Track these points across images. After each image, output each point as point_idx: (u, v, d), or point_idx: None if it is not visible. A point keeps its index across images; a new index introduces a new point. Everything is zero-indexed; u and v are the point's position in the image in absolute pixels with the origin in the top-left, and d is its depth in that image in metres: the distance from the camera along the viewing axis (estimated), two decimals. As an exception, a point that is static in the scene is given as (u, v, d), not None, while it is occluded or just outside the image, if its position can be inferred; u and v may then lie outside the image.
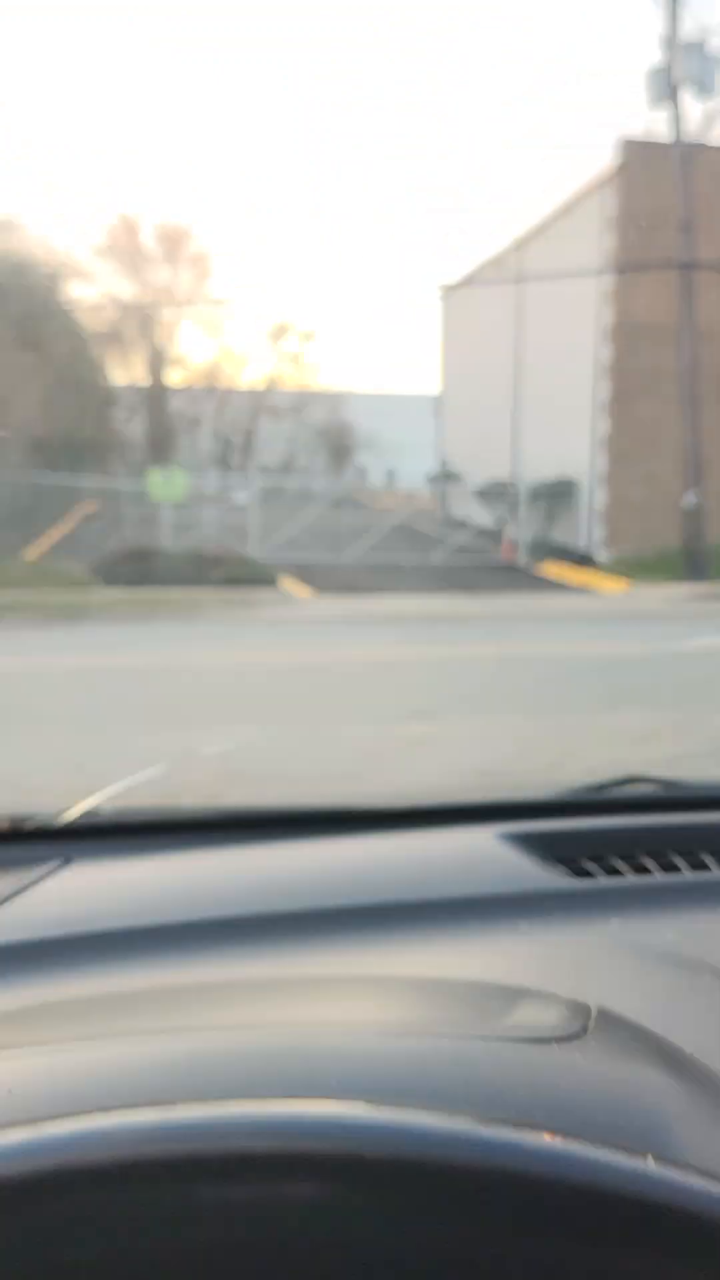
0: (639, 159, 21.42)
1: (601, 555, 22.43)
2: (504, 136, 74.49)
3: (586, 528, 23.34)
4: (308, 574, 20.12)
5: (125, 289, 44.18)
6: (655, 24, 19.46)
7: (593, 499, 23.11)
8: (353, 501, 28.27)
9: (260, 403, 45.77)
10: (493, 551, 24.25)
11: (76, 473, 30.80)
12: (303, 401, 45.17)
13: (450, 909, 1.13)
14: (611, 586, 19.62)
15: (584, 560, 22.43)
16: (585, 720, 7.77)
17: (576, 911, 1.16)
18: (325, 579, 19.54)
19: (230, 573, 18.28)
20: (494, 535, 25.24)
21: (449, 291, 32.81)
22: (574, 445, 23.72)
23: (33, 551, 23.43)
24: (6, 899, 1.15)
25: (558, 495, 24.04)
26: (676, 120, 19.97)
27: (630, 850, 1.34)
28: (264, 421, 46.50)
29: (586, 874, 1.26)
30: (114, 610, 15.00)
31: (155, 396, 42.72)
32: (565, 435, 24.26)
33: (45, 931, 1.06)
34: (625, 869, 1.30)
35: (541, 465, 24.82)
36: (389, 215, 75.02)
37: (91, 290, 39.50)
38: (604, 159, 22.47)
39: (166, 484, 26.48)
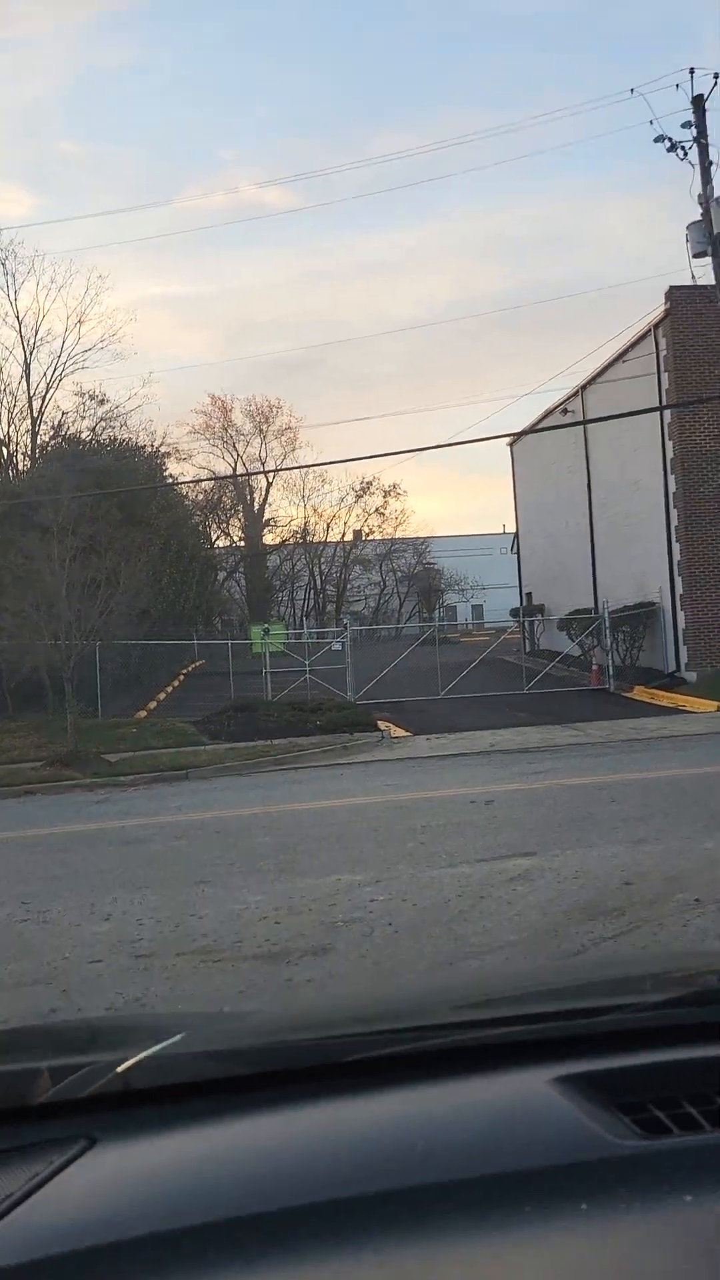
0: (685, 303, 22.77)
1: (688, 675, 22.80)
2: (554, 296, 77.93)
3: (671, 649, 23.76)
4: (404, 713, 20.98)
5: (220, 463, 47.02)
6: (690, 182, 20.95)
7: (675, 621, 23.62)
8: (442, 640, 29.21)
9: (350, 554, 47.57)
10: (581, 678, 24.83)
11: (182, 633, 32.69)
12: (389, 549, 46.78)
13: (502, 1187, 0.96)
14: (702, 705, 19.81)
15: (671, 681, 22.78)
16: (690, 845, 7.71)
17: (642, 1183, 0.96)
18: (421, 717, 20.34)
19: (330, 718, 19.15)
20: (581, 662, 25.83)
21: (516, 440, 34.37)
22: (650, 570, 24.39)
23: (145, 711, 24.90)
24: (24, 1196, 1.01)
25: (639, 620, 24.56)
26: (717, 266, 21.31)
27: (705, 1091, 1.13)
28: (354, 571, 48.21)
29: (658, 1127, 1.07)
30: (221, 762, 15.77)
31: (252, 557, 45.01)
32: (641, 561, 24.99)
33: (67, 1243, 0.93)
34: (701, 1119, 1.08)
35: (620, 591, 25.52)
36: (460, 371, 78.40)
37: (190, 466, 42.25)
38: (644, 308, 24.03)
39: (266, 637, 27.97)
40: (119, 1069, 1.20)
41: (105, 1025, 1.96)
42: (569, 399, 29.86)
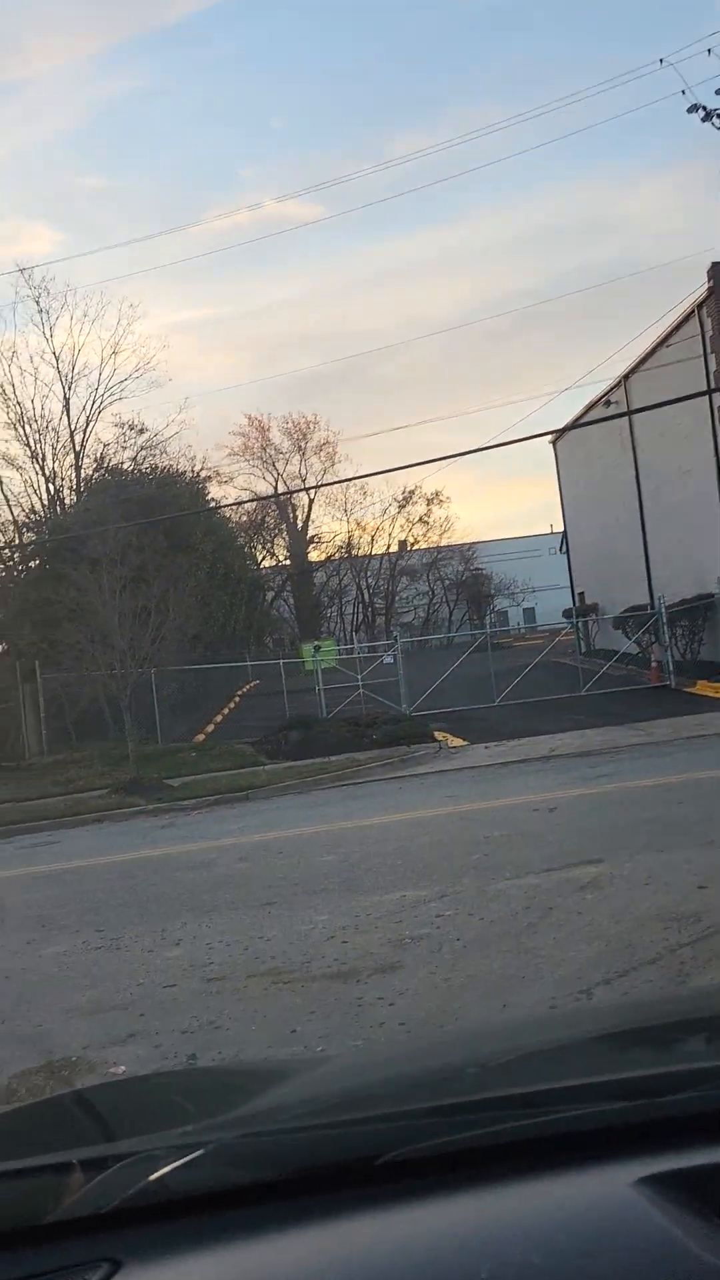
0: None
1: (750, 666, 22.40)
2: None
3: (730, 641, 23.39)
4: (460, 722, 20.90)
5: (261, 483, 47.41)
6: None
7: (733, 612, 23.25)
8: (495, 646, 29.10)
9: (396, 565, 47.60)
10: (640, 677, 24.54)
11: (235, 655, 32.97)
12: (435, 558, 46.70)
13: None
14: (764, 697, 19.47)
15: (733, 674, 22.42)
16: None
17: None
18: (478, 725, 20.25)
19: (386, 732, 19.15)
20: (639, 660, 25.53)
21: (559, 437, 34.17)
22: (707, 561, 23.99)
23: (202, 734, 25.12)
24: None
25: (698, 613, 24.19)
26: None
27: None
28: (401, 582, 48.21)
29: None
30: (281, 782, 15.84)
31: (299, 575, 45.26)
32: (697, 552, 24.60)
33: None
34: None
35: (677, 585, 25.17)
36: (496, 371, 78.19)
37: (231, 489, 42.65)
38: (684, 289, 23.73)
39: (317, 655, 28.08)
40: (151, 1176, 1.06)
41: (108, 1100, 1.73)
42: (611, 390, 29.60)
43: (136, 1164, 1.09)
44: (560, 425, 33.81)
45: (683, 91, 27.52)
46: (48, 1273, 0.99)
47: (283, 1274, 0.96)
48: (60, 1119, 1.64)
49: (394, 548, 52.88)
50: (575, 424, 32.62)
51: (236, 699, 32.73)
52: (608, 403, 29.53)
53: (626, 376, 28.41)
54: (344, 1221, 1.00)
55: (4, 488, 29.75)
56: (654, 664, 24.49)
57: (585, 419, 31.67)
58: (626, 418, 26.64)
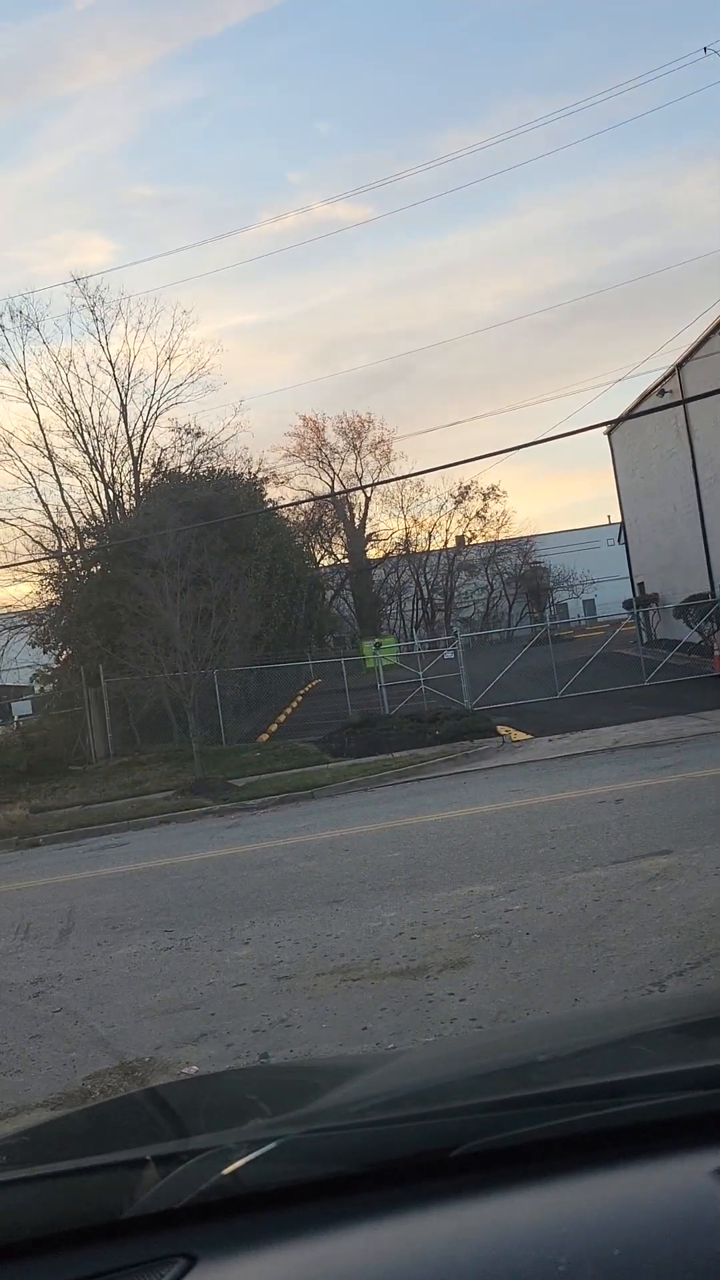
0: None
1: None
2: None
3: None
4: (523, 716, 20.76)
5: (318, 483, 47.58)
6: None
7: None
8: (555, 638, 28.86)
9: (454, 561, 47.44)
10: (703, 666, 24.14)
11: (296, 655, 33.13)
12: (493, 552, 46.46)
13: None
14: None
15: None
16: None
17: None
18: (541, 718, 20.09)
19: (449, 727, 19.09)
20: (702, 649, 25.13)
21: (614, 427, 33.76)
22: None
23: (266, 734, 25.28)
24: None
25: (760, 599, 23.79)
26: None
27: None
28: (460, 578, 48.05)
29: None
30: (345, 780, 15.88)
31: (357, 573, 45.34)
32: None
33: None
34: None
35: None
36: (549, 364, 77.51)
37: (288, 489, 42.85)
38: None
39: (378, 652, 28.09)
40: (225, 1170, 1.06)
41: (181, 1097, 1.71)
42: (666, 379, 29.19)
43: (210, 1159, 1.08)
44: (615, 416, 33.39)
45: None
46: (126, 1268, 0.99)
47: (358, 1267, 0.95)
48: (134, 1116, 1.64)
49: (451, 543, 52.69)
50: (630, 414, 32.20)
51: (299, 698, 32.88)
52: (661, 392, 29.10)
53: (680, 365, 27.98)
54: (419, 1214, 0.99)
55: (65, 495, 30.23)
56: (717, 653, 24.08)
57: (640, 409, 31.24)
58: (681, 406, 26.21)
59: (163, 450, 32.12)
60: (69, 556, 28.80)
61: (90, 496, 30.48)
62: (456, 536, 53.14)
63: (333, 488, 49.46)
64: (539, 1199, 0.98)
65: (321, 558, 47.94)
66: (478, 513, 53.73)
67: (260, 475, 35.79)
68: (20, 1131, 1.78)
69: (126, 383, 31.26)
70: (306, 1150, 1.12)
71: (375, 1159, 1.09)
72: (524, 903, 6.77)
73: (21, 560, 28.03)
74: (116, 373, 31.17)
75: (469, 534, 54.01)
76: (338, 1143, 1.15)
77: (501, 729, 18.98)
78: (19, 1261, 1.03)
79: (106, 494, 30.56)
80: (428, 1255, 0.93)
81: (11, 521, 29.57)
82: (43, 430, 30.16)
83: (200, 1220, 1.04)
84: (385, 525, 53.41)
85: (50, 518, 29.85)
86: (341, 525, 51.31)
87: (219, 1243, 1.01)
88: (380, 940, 6.43)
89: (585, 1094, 1.14)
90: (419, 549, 52.01)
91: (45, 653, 30.37)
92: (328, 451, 52.13)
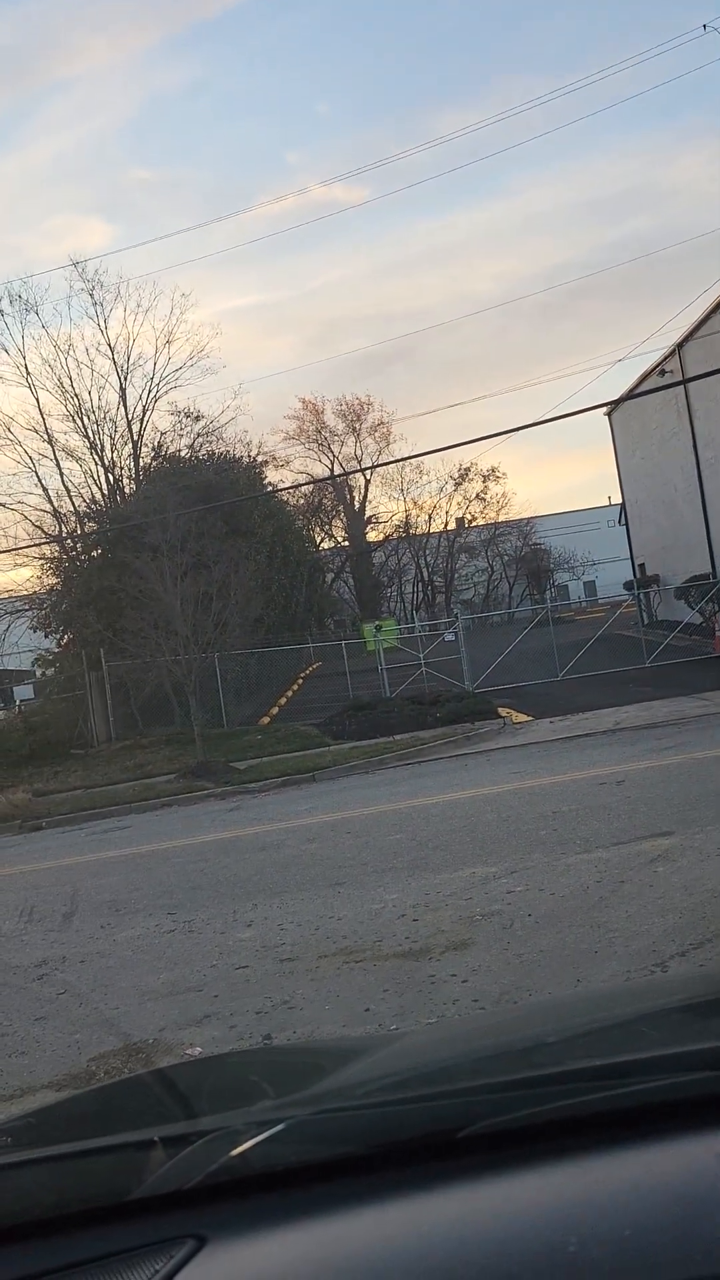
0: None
1: None
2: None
3: None
4: (524, 698, 20.78)
5: (317, 465, 47.45)
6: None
7: None
8: (556, 620, 28.85)
9: (454, 543, 47.36)
10: (704, 647, 24.13)
11: (297, 638, 33.12)
12: (494, 534, 46.38)
13: None
14: None
15: None
16: None
17: None
18: (542, 700, 20.11)
19: (450, 709, 19.10)
20: (703, 630, 25.13)
21: (614, 408, 33.64)
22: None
23: (267, 717, 25.30)
24: None
25: (762, 580, 23.75)
26: None
27: None
28: (460, 560, 47.98)
29: None
30: (347, 762, 15.89)
31: (358, 556, 45.28)
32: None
33: None
34: None
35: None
36: (549, 345, 77.17)
37: (288, 472, 42.74)
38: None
39: (378, 634, 28.09)
40: (233, 1152, 1.05)
41: (188, 1078, 1.71)
42: (666, 359, 29.07)
43: (219, 1140, 1.09)
44: (615, 397, 33.27)
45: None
46: (136, 1248, 0.99)
47: (366, 1247, 0.95)
48: (141, 1097, 1.65)
49: (451, 525, 52.58)
50: (630, 395, 32.06)
51: (300, 681, 32.89)
52: (662, 372, 28.98)
53: (680, 345, 27.86)
54: (427, 1195, 0.99)
55: (65, 479, 30.16)
56: (718, 633, 24.07)
57: (640, 389, 31.11)
58: (682, 386, 26.11)
59: (162, 434, 32.03)
60: (69, 541, 28.77)
61: (90, 480, 30.42)
62: (456, 519, 53.03)
63: (332, 470, 49.34)
64: (548, 1180, 0.98)
65: (322, 541, 47.86)
66: (478, 495, 53.59)
67: (260, 458, 35.71)
68: (28, 1113, 1.78)
69: (126, 366, 31.16)
70: (314, 1131, 1.12)
71: (383, 1140, 1.09)
72: (526, 884, 6.78)
73: (22, 545, 28.02)
74: (115, 356, 31.07)
75: (469, 516, 53.90)
76: (345, 1124, 1.15)
77: (502, 711, 18.99)
78: (29, 1242, 1.03)
79: (106, 478, 30.50)
80: (436, 1236, 0.93)
81: (12, 506, 29.53)
82: (42, 414, 30.09)
83: (209, 1201, 1.04)
84: (385, 508, 53.33)
85: (50, 502, 29.82)
86: (341, 508, 51.20)
87: (228, 1223, 1.01)
88: (382, 922, 6.45)
89: (592, 1075, 1.14)
90: (419, 531, 51.91)
91: (46, 637, 30.37)
92: (327, 434, 51.97)
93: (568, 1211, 0.91)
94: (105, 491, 30.36)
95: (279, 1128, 1.09)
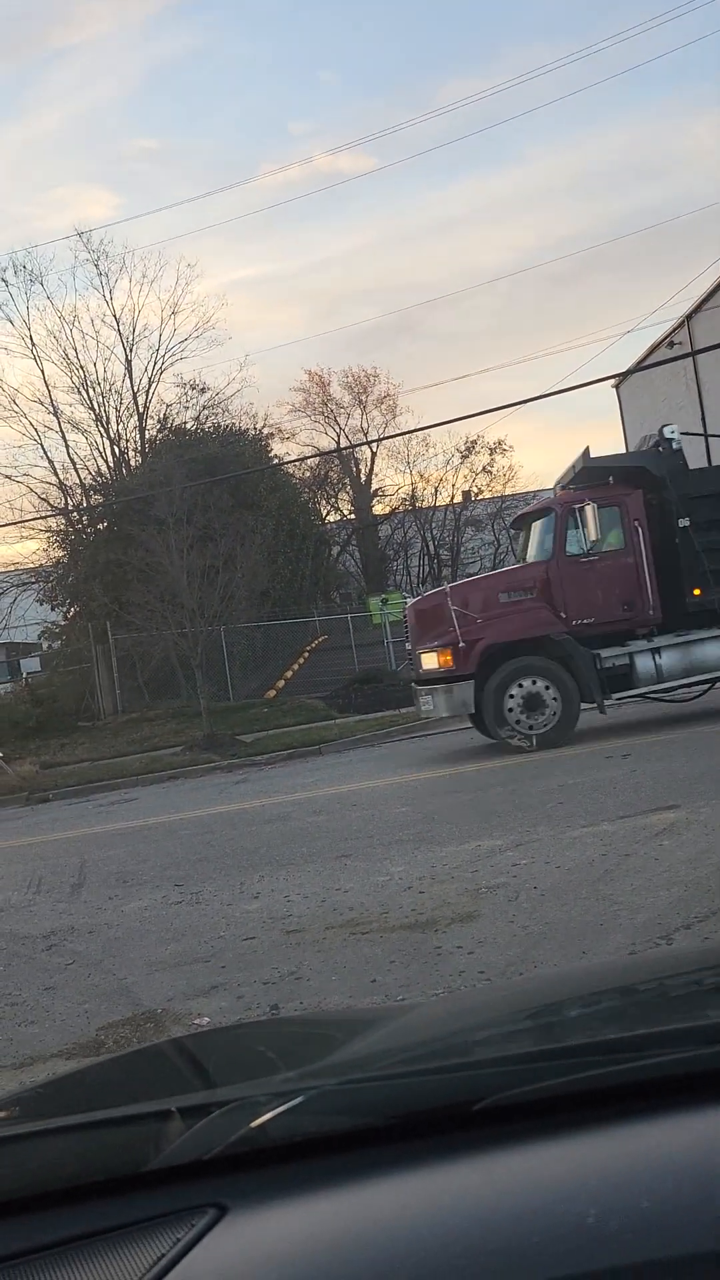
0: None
1: None
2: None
3: None
4: (529, 672, 20.75)
5: (324, 438, 47.24)
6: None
7: None
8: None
9: (460, 516, 47.24)
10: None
11: (303, 611, 33.10)
12: (500, 507, 46.22)
13: (697, 1273, 0.80)
14: None
15: None
16: None
17: None
18: (547, 675, 20.08)
19: (455, 683, 19.11)
20: (711, 604, 25.08)
21: (622, 380, 33.40)
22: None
23: (273, 690, 25.34)
24: None
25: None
26: None
27: None
28: (466, 533, 47.86)
29: None
30: (352, 735, 15.96)
31: (364, 529, 45.13)
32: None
33: None
34: None
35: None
36: (557, 317, 76.62)
37: (294, 445, 42.59)
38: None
39: (384, 608, 28.06)
40: (253, 1123, 1.06)
41: (204, 1048, 1.71)
42: (675, 331, 28.86)
43: (238, 1111, 1.09)
44: (623, 369, 33.02)
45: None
46: (157, 1217, 1.00)
47: (386, 1216, 0.96)
48: (155, 1067, 1.65)
49: (458, 499, 52.36)
50: (638, 367, 31.83)
51: (306, 654, 32.91)
52: (671, 344, 28.79)
53: (690, 317, 27.66)
54: (446, 1166, 0.99)
55: (70, 451, 30.08)
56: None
57: (648, 361, 30.90)
58: (691, 359, 25.93)
59: (168, 406, 31.92)
60: (75, 513, 28.74)
61: (96, 453, 30.37)
62: (463, 491, 52.80)
63: (338, 443, 49.11)
64: (565, 1152, 0.98)
65: (327, 513, 47.70)
66: (484, 467, 53.31)
67: (266, 431, 35.57)
68: (44, 1082, 1.79)
69: (131, 338, 31.01)
70: (333, 1103, 1.13)
71: (400, 1112, 1.09)
72: (531, 857, 6.81)
73: (28, 517, 28.00)
74: (121, 328, 30.91)
75: (475, 489, 53.66)
76: (363, 1096, 1.16)
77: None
78: (50, 1211, 1.04)
79: (112, 450, 30.43)
80: (455, 1205, 0.93)
81: (17, 479, 29.51)
82: (48, 386, 29.99)
83: (229, 1171, 1.05)
84: (391, 480, 53.06)
85: (56, 475, 29.78)
86: (347, 481, 50.99)
87: (248, 1192, 1.01)
88: (388, 894, 6.48)
89: (608, 1048, 1.15)
90: (425, 504, 51.71)
91: (53, 610, 30.41)
92: (333, 406, 51.64)
93: (586, 1183, 0.92)
94: (111, 464, 30.31)
95: (299, 1099, 1.10)
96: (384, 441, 48.75)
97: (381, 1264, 0.87)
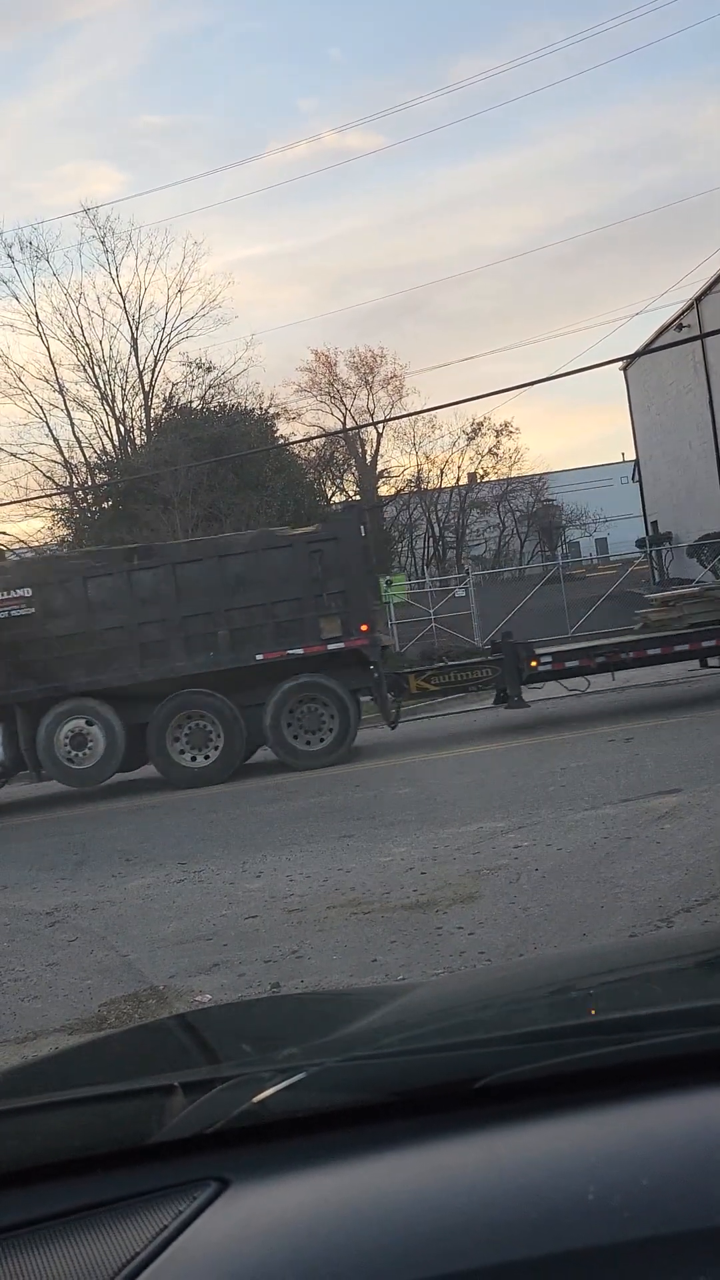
0: None
1: None
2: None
3: None
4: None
5: (329, 418, 47.06)
6: None
7: None
8: (567, 577, 28.74)
9: (466, 498, 47.14)
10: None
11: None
12: (505, 490, 46.10)
13: (694, 1248, 0.80)
14: None
15: None
16: None
17: None
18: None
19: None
20: (715, 589, 25.02)
21: (630, 363, 33.23)
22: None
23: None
24: (154, 1254, 0.91)
25: (775, 539, 23.61)
26: None
27: None
28: (472, 515, 47.76)
29: None
30: (357, 716, 15.95)
31: (369, 509, 45.00)
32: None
33: None
34: None
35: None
36: (564, 298, 76.13)
37: (300, 425, 42.42)
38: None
39: (388, 589, 28.03)
40: (256, 1098, 1.06)
41: (208, 1024, 1.72)
42: (683, 313, 28.67)
43: (241, 1086, 1.10)
44: (631, 351, 32.87)
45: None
46: (159, 1189, 1.00)
47: (387, 1190, 0.96)
48: (161, 1042, 1.67)
49: (463, 480, 52.16)
50: (646, 349, 31.66)
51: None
52: (679, 326, 28.58)
53: (698, 299, 27.46)
54: (446, 1143, 1.00)
55: (76, 430, 30.00)
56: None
57: (656, 344, 30.72)
58: (699, 341, 25.77)
59: (174, 385, 31.76)
60: (80, 492, 28.69)
61: (101, 431, 30.26)
62: (468, 473, 52.62)
63: (344, 424, 48.93)
64: (566, 1130, 0.99)
65: (333, 494, 47.57)
66: (490, 449, 53.07)
67: (272, 411, 35.42)
68: (48, 1056, 1.81)
69: (137, 316, 30.84)
70: (336, 1079, 1.14)
71: (402, 1089, 1.10)
72: (533, 839, 6.83)
73: (33, 495, 27.96)
74: (127, 305, 30.74)
75: (481, 471, 53.47)
76: (366, 1073, 1.17)
77: (512, 667, 18.96)
78: (54, 1182, 1.05)
79: (117, 429, 30.33)
80: (456, 1181, 0.94)
81: (23, 457, 29.43)
82: (53, 364, 29.86)
83: (231, 1146, 1.05)
84: (397, 462, 52.89)
85: (61, 453, 29.70)
86: (353, 462, 50.84)
87: (250, 1167, 1.02)
88: (390, 874, 6.51)
89: (609, 1029, 1.16)
90: (430, 486, 51.55)
91: (57, 588, 30.35)
92: (339, 387, 51.39)
93: (585, 1160, 0.93)
94: (116, 443, 30.22)
95: (301, 1075, 1.11)
96: (390, 423, 48.54)
97: (382, 1237, 0.88)
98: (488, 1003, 1.55)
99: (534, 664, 12.83)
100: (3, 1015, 5.05)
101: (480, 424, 52.25)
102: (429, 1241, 0.86)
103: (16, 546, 29.74)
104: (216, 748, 12.12)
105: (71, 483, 28.97)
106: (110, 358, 30.33)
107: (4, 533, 29.01)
